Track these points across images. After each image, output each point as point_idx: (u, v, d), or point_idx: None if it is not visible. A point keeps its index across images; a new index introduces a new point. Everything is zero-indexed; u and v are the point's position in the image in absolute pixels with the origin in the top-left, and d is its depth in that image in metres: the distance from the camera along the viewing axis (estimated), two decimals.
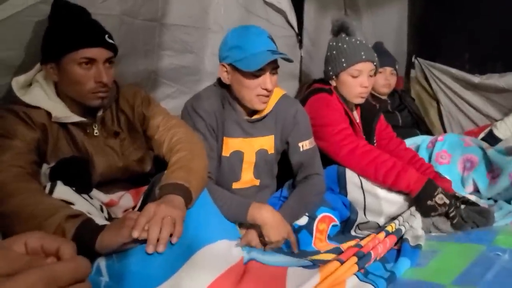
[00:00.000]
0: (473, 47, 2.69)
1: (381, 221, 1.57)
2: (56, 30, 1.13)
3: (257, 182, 1.53)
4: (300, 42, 2.54)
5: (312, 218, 1.42)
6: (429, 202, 1.45)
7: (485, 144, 1.95)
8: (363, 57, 1.69)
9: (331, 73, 1.76)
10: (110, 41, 1.16)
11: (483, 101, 2.66)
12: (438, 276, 1.14)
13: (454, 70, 2.75)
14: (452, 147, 1.91)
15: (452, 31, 2.76)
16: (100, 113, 1.21)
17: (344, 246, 1.37)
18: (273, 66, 1.38)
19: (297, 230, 1.39)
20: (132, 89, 1.32)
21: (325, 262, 1.14)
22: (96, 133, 1.20)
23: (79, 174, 1.08)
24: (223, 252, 0.99)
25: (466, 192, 1.83)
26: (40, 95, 1.13)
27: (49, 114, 1.12)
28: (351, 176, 1.59)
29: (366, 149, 1.60)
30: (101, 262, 0.90)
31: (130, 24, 1.52)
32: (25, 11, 1.19)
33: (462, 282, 1.10)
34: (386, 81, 2.34)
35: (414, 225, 1.44)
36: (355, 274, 1.09)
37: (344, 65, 1.71)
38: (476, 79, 2.63)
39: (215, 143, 1.44)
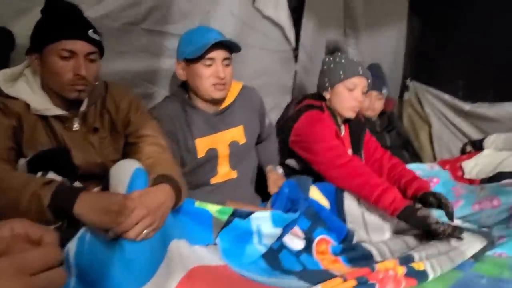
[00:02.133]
0: (467, 75, 2.72)
1: (386, 236, 1.56)
2: (42, 22, 1.15)
3: (234, 174, 1.57)
4: (296, 57, 2.56)
5: (309, 241, 1.39)
6: (419, 213, 1.44)
7: (476, 189, 1.91)
8: (360, 72, 1.78)
9: (327, 84, 1.83)
10: (94, 36, 1.18)
11: (473, 128, 2.69)
12: None
13: (447, 96, 2.78)
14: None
15: (448, 57, 2.79)
16: (83, 109, 1.22)
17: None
18: (224, 57, 1.48)
19: (296, 255, 1.34)
20: (122, 89, 1.33)
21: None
22: (75, 127, 1.20)
23: (61, 165, 1.08)
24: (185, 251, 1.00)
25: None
26: (23, 88, 1.15)
27: (28, 105, 1.13)
28: (349, 196, 1.61)
29: (358, 164, 1.64)
30: (71, 247, 0.90)
31: (107, 26, 1.50)
32: None
33: None
34: (370, 104, 2.37)
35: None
36: None
37: (342, 77, 1.78)
38: (467, 106, 2.66)
39: (175, 147, 1.46)
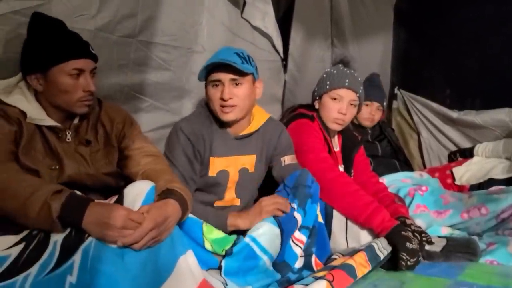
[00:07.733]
0: (453, 83, 2.77)
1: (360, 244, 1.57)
2: (41, 42, 1.17)
3: (237, 202, 1.55)
4: (285, 67, 2.58)
5: (309, 255, 1.40)
6: (403, 233, 1.44)
7: (464, 197, 1.92)
8: (346, 84, 1.76)
9: (316, 93, 1.85)
10: (93, 51, 1.23)
11: (461, 136, 2.73)
12: None
13: (434, 104, 2.81)
14: (431, 204, 1.90)
15: (434, 66, 2.84)
16: (76, 121, 1.25)
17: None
18: (231, 78, 1.42)
19: (297, 272, 1.36)
20: (116, 106, 1.40)
21: None
22: (68, 139, 1.23)
23: None
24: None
25: (442, 233, 1.80)
26: (19, 98, 1.18)
27: (24, 114, 1.15)
28: (337, 215, 1.60)
29: (347, 180, 1.63)
30: (76, 259, 0.90)
31: (105, 39, 1.53)
32: None
33: None
34: (370, 115, 2.33)
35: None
36: None
37: (328, 87, 1.79)
38: (454, 114, 2.69)
39: (199, 167, 1.46)
